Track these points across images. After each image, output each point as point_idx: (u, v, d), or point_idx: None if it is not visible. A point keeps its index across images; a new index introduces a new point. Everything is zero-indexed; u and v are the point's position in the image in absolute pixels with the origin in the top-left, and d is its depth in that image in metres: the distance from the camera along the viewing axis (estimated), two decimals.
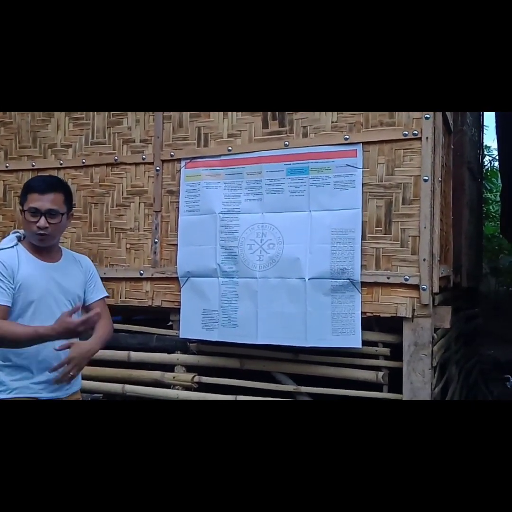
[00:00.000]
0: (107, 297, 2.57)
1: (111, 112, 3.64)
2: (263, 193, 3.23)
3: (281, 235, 3.17)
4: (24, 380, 2.22)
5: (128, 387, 3.52)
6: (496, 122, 6.24)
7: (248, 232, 3.24)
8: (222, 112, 3.36)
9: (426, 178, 2.94)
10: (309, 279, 3.08)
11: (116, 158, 3.63)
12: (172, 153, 3.48)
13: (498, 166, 8.08)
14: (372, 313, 3.04)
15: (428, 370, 2.94)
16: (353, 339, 3.01)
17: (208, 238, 3.35)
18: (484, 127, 6.48)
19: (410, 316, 2.96)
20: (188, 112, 3.44)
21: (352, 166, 3.05)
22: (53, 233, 2.29)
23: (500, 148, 6.51)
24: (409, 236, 2.99)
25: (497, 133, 6.30)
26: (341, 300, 3.04)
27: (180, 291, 3.42)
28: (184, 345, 3.47)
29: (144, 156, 3.55)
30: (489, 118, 7.19)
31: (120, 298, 3.60)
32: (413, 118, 2.98)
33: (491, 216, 10.07)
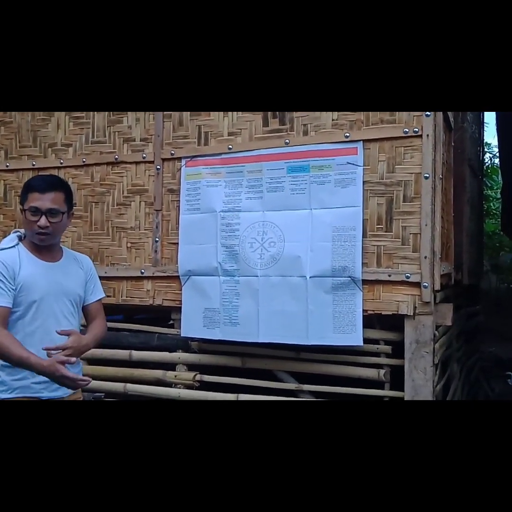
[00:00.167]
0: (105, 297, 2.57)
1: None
2: (264, 191, 3.22)
3: (282, 233, 3.17)
4: (25, 380, 2.21)
5: (130, 386, 3.52)
6: (497, 119, 6.23)
7: (249, 230, 3.24)
8: None
9: (427, 175, 2.94)
10: (310, 277, 3.08)
11: (116, 157, 3.63)
12: (172, 152, 3.48)
13: (498, 163, 8.08)
14: (373, 311, 3.04)
15: (430, 368, 2.94)
16: (355, 337, 3.01)
17: (209, 236, 3.34)
18: (484, 124, 6.48)
19: (412, 314, 2.96)
20: None
21: (353, 164, 3.05)
22: (54, 232, 2.29)
23: (500, 145, 6.50)
24: (410, 233, 2.98)
25: (497, 130, 6.29)
26: (343, 298, 3.04)
27: (181, 290, 3.42)
28: (185, 344, 3.47)
29: (144, 155, 3.55)
30: (490, 115, 7.17)
31: (121, 297, 3.60)
32: (414, 116, 2.98)
33: (491, 213, 10.06)
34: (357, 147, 3.06)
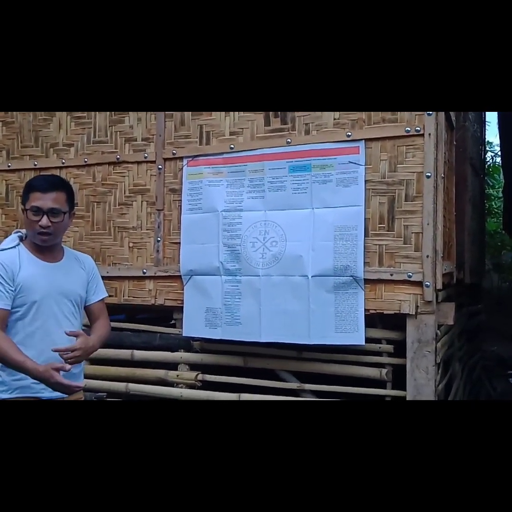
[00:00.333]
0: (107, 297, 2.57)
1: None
2: (266, 190, 3.22)
3: (284, 233, 3.17)
4: (25, 380, 2.20)
5: (132, 386, 3.52)
6: (498, 118, 6.23)
7: (251, 230, 3.24)
8: None
9: (429, 174, 2.94)
10: (312, 276, 3.07)
11: (118, 156, 3.63)
12: (174, 151, 3.48)
13: (500, 162, 8.07)
14: (375, 310, 3.03)
15: (432, 367, 2.94)
16: (357, 336, 3.01)
17: (210, 236, 3.34)
18: (486, 123, 6.47)
19: (414, 313, 2.96)
20: None
21: (355, 163, 3.05)
22: (56, 232, 2.28)
23: (502, 144, 6.51)
24: (412, 232, 2.98)
25: (499, 129, 6.29)
26: (344, 297, 3.04)
27: (183, 290, 3.42)
28: (187, 344, 3.47)
29: (146, 155, 3.55)
30: (491, 114, 7.16)
31: (123, 296, 3.60)
32: (416, 115, 2.97)
33: (493, 212, 10.04)
34: (359, 146, 3.06)
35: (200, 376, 3.41)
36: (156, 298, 3.52)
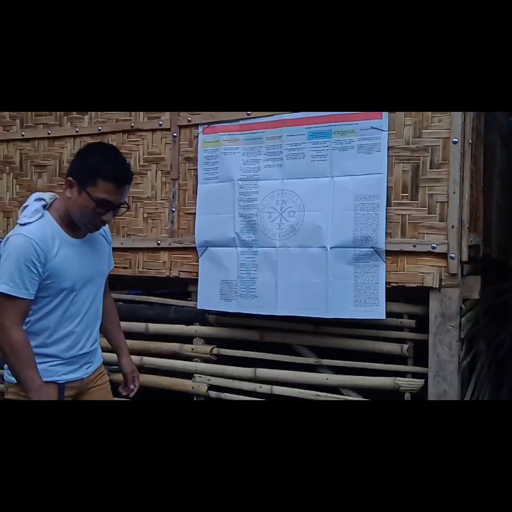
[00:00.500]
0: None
1: None
2: (283, 158, 3.09)
3: (302, 203, 3.04)
4: (43, 364, 2.07)
5: (146, 359, 3.47)
6: None
7: (268, 199, 3.12)
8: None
9: (456, 140, 2.78)
10: (331, 248, 2.95)
11: (132, 124, 3.52)
12: (189, 118, 3.36)
13: None
14: (397, 283, 2.90)
15: (456, 343, 2.81)
16: (377, 310, 2.88)
17: (226, 206, 3.23)
18: None
19: (437, 286, 2.82)
20: None
21: (377, 129, 2.89)
22: None
23: None
24: (437, 202, 2.83)
25: None
26: (365, 269, 2.91)
27: (198, 262, 3.33)
28: (202, 317, 3.38)
29: (160, 122, 3.44)
30: None
31: (138, 268, 3.53)
32: None
33: None
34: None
35: (215, 350, 3.34)
36: (170, 270, 3.44)
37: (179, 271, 3.41)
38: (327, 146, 2.99)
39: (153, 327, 3.51)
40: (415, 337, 2.97)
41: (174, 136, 3.40)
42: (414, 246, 2.85)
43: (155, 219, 3.49)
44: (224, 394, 3.26)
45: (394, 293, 2.96)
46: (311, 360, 3.15)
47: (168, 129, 3.42)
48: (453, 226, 2.79)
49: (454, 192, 2.78)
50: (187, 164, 3.40)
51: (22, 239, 1.97)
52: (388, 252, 2.89)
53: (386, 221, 2.88)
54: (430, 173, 2.84)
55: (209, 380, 3.31)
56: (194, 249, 3.34)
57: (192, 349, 3.39)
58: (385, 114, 2.89)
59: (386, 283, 2.88)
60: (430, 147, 2.84)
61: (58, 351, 2.13)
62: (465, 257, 2.81)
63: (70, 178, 2.04)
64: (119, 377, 2.52)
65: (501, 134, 4.38)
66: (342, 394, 3.04)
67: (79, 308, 2.15)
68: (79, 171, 2.03)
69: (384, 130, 2.89)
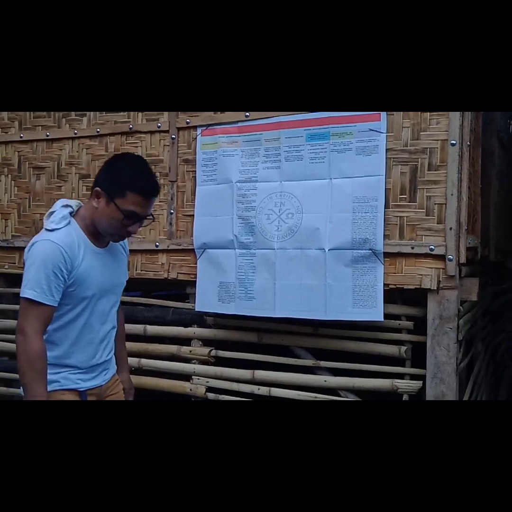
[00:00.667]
0: None
1: None
2: (282, 160, 3.10)
3: (300, 204, 3.04)
4: (62, 373, 2.07)
5: (145, 361, 3.46)
6: None
7: (266, 201, 3.12)
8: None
9: (454, 142, 2.78)
10: (329, 249, 2.96)
11: (131, 126, 3.53)
12: (187, 120, 3.36)
13: None
14: (395, 285, 2.90)
15: (454, 344, 2.81)
16: (375, 312, 2.88)
17: (224, 208, 3.23)
18: None
19: (435, 288, 2.82)
20: None
21: (376, 131, 2.90)
22: None
23: None
24: (435, 203, 2.83)
25: None
26: (363, 271, 2.91)
27: (196, 263, 3.32)
28: (200, 319, 3.38)
29: (159, 124, 3.44)
30: None
31: (136, 270, 3.52)
32: None
33: None
34: (380, 113, 2.90)
35: (213, 352, 3.34)
36: (169, 271, 3.44)
37: (177, 273, 3.41)
38: (325, 148, 2.99)
39: (151, 329, 3.51)
40: (413, 339, 2.97)
41: (173, 138, 3.41)
42: (412, 248, 2.86)
43: (153, 221, 3.48)
44: (222, 396, 3.26)
45: (392, 295, 2.96)
46: (309, 362, 3.15)
47: (167, 131, 3.43)
48: (451, 228, 2.79)
49: (452, 194, 2.79)
50: (185, 166, 3.40)
51: (50, 245, 1.95)
52: (386, 254, 2.89)
53: (384, 223, 2.89)
54: (428, 175, 2.85)
55: (207, 382, 3.31)
56: (192, 251, 3.34)
57: (190, 351, 3.39)
58: (383, 116, 2.90)
59: (384, 285, 2.89)
60: (428, 149, 2.84)
61: (78, 361, 2.11)
62: (463, 259, 2.81)
63: (98, 188, 2.02)
64: None
65: (499, 136, 4.39)
66: (340, 396, 3.04)
67: (99, 317, 2.13)
68: (108, 182, 2.01)
69: (382, 132, 2.89)
